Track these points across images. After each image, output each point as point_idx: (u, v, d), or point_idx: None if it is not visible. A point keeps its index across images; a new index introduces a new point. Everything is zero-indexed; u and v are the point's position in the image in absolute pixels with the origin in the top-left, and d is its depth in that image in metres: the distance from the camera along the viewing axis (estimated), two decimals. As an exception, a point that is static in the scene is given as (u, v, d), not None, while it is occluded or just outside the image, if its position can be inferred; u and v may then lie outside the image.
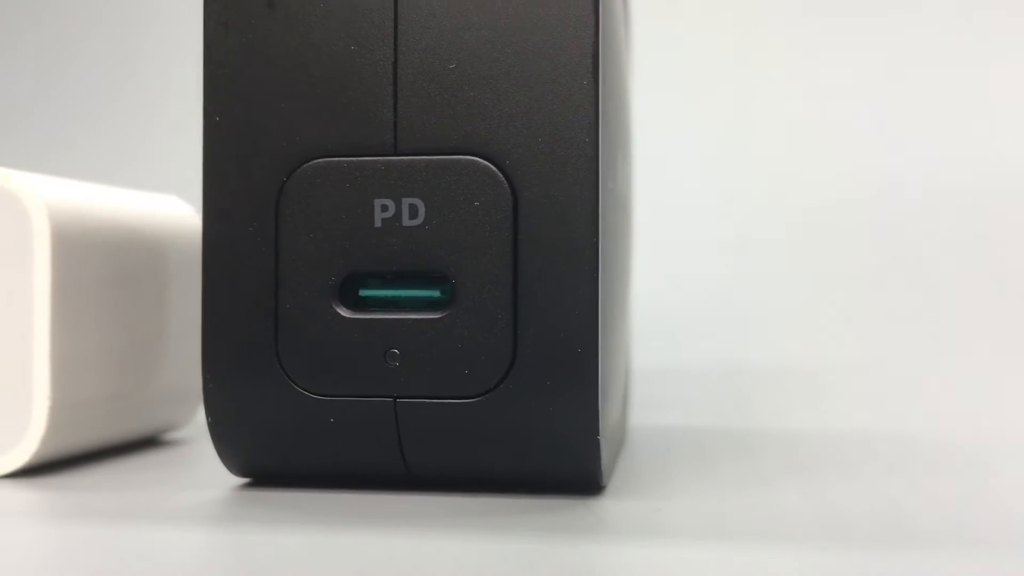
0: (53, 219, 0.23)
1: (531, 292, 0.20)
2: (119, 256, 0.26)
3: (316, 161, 0.21)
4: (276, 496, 0.22)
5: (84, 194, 0.25)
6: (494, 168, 0.20)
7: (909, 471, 0.25)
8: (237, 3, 0.21)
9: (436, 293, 0.21)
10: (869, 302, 0.40)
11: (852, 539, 0.18)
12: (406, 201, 0.21)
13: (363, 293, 0.21)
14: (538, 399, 0.20)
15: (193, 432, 0.31)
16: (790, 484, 0.23)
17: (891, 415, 0.33)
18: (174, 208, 0.30)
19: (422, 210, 0.21)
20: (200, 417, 0.30)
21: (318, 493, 0.22)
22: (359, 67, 0.21)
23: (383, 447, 0.21)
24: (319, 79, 0.21)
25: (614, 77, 0.23)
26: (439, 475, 0.22)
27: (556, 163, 0.20)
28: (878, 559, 0.17)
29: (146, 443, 0.29)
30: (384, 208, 0.21)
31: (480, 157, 0.20)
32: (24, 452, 0.24)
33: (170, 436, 0.30)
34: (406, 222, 0.21)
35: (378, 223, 0.21)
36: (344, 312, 0.21)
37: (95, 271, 0.25)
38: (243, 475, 0.23)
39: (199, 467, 0.26)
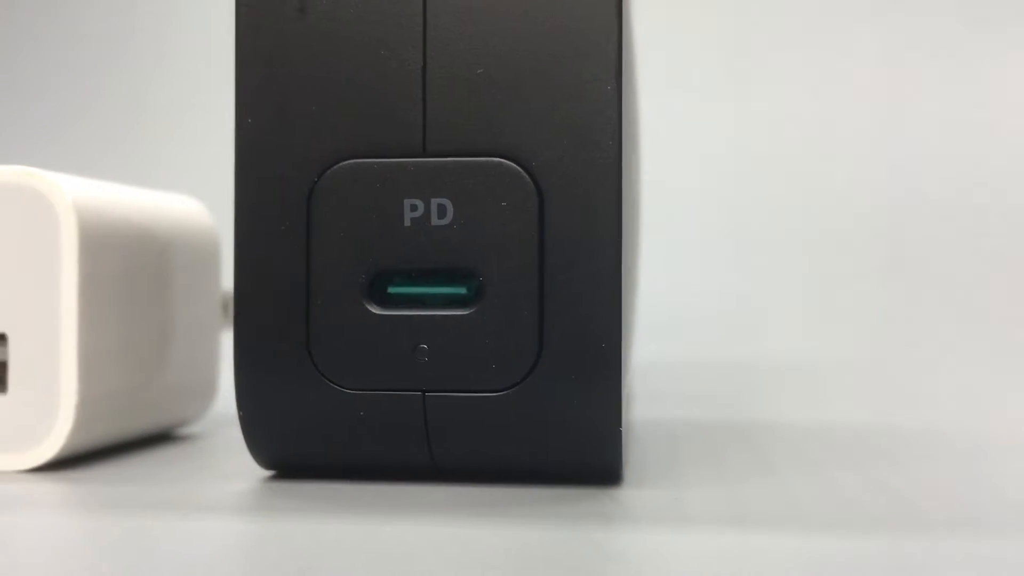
0: (80, 217, 0.24)
1: (556, 289, 0.21)
2: (139, 253, 0.26)
3: (347, 162, 0.21)
4: (304, 487, 0.22)
5: (105, 193, 0.26)
6: (520, 170, 0.21)
7: (909, 461, 0.26)
8: (268, 7, 0.22)
9: (462, 290, 0.22)
10: (868, 299, 0.41)
11: (863, 524, 0.19)
12: (435, 201, 0.21)
13: (392, 290, 0.22)
14: (563, 392, 0.21)
15: (205, 427, 0.31)
16: (796, 473, 0.24)
17: (889, 409, 0.34)
18: (186, 206, 0.30)
19: (450, 210, 0.21)
20: (211, 412, 0.31)
21: (344, 484, 0.22)
22: (389, 71, 0.21)
23: (411, 439, 0.22)
24: (349, 82, 0.21)
25: (629, 80, 0.24)
26: (464, 466, 0.22)
27: (581, 165, 0.21)
28: (890, 542, 0.18)
29: (161, 438, 0.29)
30: (413, 208, 0.21)
31: (507, 159, 0.21)
32: (52, 446, 0.24)
33: (183, 431, 0.31)
34: (435, 221, 0.21)
35: (407, 222, 0.21)
36: (374, 309, 0.21)
37: (117, 268, 0.25)
38: (271, 468, 0.23)
39: (222, 460, 0.26)
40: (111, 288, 0.25)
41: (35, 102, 0.52)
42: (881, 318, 0.41)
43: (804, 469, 0.24)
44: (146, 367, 0.27)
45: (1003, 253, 0.41)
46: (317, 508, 0.20)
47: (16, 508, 0.21)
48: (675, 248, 0.36)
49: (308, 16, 0.22)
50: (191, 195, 0.31)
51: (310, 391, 0.22)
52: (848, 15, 0.44)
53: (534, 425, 0.21)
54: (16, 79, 0.52)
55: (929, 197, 0.43)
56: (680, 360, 0.35)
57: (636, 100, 0.28)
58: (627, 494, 0.21)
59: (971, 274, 0.41)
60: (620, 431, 0.21)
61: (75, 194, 0.24)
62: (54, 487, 0.23)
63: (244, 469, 0.24)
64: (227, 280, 0.31)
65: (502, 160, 0.21)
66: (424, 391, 0.21)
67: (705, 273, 0.39)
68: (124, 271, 0.26)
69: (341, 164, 0.21)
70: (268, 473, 0.24)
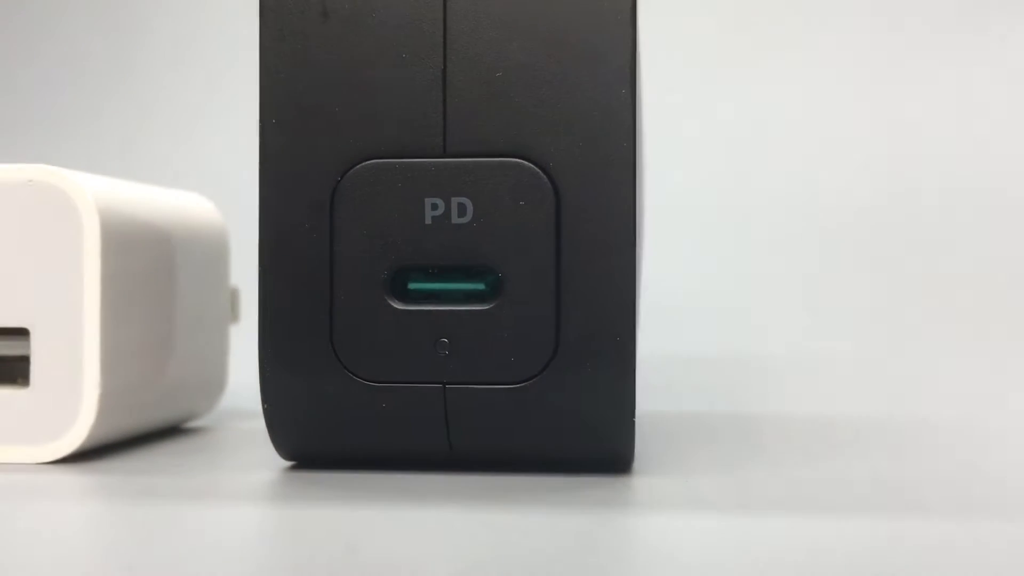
0: (102, 215, 0.24)
1: (573, 285, 0.22)
2: (155, 250, 0.27)
3: (369, 162, 0.22)
4: (324, 476, 0.23)
5: (124, 191, 0.26)
6: (538, 170, 0.22)
7: (907, 451, 0.27)
8: (293, 13, 0.22)
9: (481, 286, 0.22)
10: (865, 295, 0.42)
11: (864, 508, 0.20)
12: (455, 200, 0.22)
13: (412, 286, 0.22)
14: (579, 384, 0.22)
15: (213, 421, 0.32)
16: (799, 462, 0.25)
17: (885, 401, 0.36)
18: (197, 204, 0.31)
19: (470, 209, 0.22)
20: (219, 406, 0.32)
21: (363, 474, 0.23)
22: (410, 74, 0.22)
23: (431, 430, 0.23)
24: (371, 85, 0.22)
25: (639, 83, 0.25)
26: (481, 456, 0.23)
27: (596, 166, 0.22)
28: (891, 525, 0.19)
29: (172, 431, 0.30)
30: (434, 206, 0.22)
31: (525, 160, 0.22)
32: (75, 439, 0.25)
33: (192, 425, 0.31)
34: (455, 220, 0.22)
35: (428, 220, 0.22)
36: (396, 304, 0.22)
37: (136, 265, 0.26)
38: (292, 458, 0.24)
39: (239, 451, 0.27)
40: (130, 284, 0.26)
41: (36, 99, 0.53)
42: (879, 314, 0.42)
43: (806, 458, 0.25)
44: (162, 361, 0.27)
45: (1001, 250, 0.43)
46: (340, 496, 0.21)
47: (46, 498, 0.22)
48: (674, 245, 0.37)
49: (331, 20, 0.22)
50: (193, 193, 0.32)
51: (334, 384, 0.22)
52: (844, 11, 0.46)
53: (550, 416, 0.22)
54: (19, 77, 0.53)
55: (926, 194, 0.44)
56: (678, 354, 0.36)
57: (642, 101, 0.29)
58: (639, 482, 0.22)
59: (967, 271, 0.43)
60: (633, 422, 0.22)
61: (96, 193, 0.25)
62: (80, 478, 0.23)
63: (263, 460, 0.25)
64: (234, 276, 0.32)
65: (520, 160, 0.22)
66: (445, 383, 0.22)
67: (704, 270, 0.40)
68: (142, 267, 0.26)
69: (364, 164, 0.22)
70: (287, 464, 0.24)
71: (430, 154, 0.22)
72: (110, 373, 0.25)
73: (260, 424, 0.30)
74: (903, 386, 0.38)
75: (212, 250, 0.30)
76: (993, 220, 0.44)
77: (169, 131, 0.51)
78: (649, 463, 0.24)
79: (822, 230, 0.44)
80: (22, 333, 0.25)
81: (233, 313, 0.32)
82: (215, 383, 0.31)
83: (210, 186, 0.34)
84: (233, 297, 0.32)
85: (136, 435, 0.28)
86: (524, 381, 0.22)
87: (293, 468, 0.24)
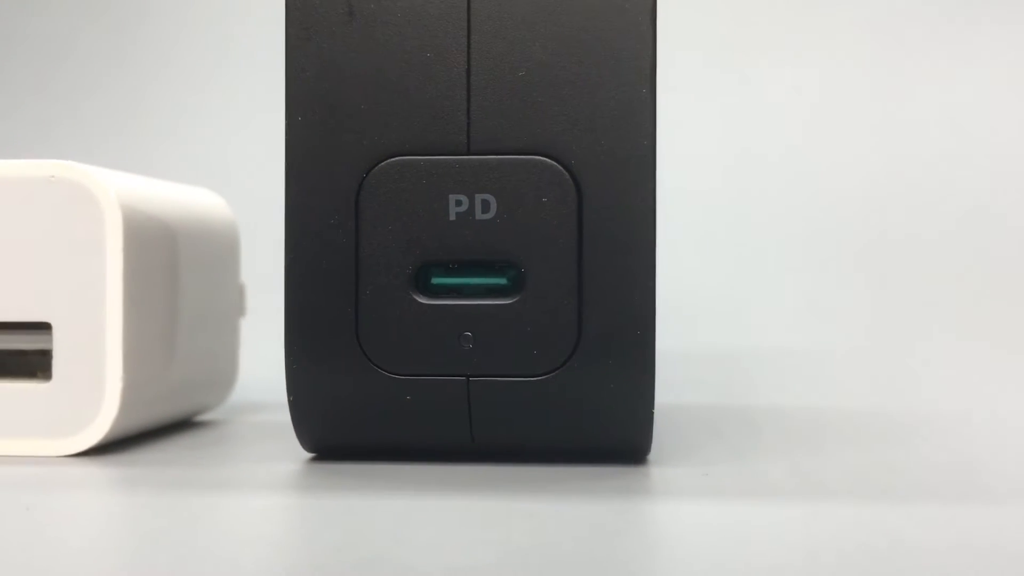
0: (124, 211, 0.25)
1: (594, 280, 0.22)
2: (172, 245, 0.27)
3: (394, 159, 0.23)
4: (347, 467, 0.23)
5: (142, 187, 0.27)
6: (560, 167, 0.22)
7: (907, 440, 0.28)
8: (319, 12, 0.23)
9: (503, 281, 0.23)
10: (864, 291, 0.43)
11: (877, 493, 0.21)
12: (479, 197, 0.23)
13: (437, 281, 0.23)
14: (600, 377, 0.22)
15: (224, 414, 0.32)
16: (808, 452, 0.26)
17: (883, 394, 0.37)
18: (209, 200, 0.31)
19: (494, 205, 0.23)
20: (230, 399, 0.32)
21: (384, 464, 0.23)
22: (435, 73, 0.23)
23: (454, 422, 0.23)
24: (397, 83, 0.23)
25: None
26: (502, 446, 0.24)
27: (617, 163, 0.22)
28: (898, 509, 0.19)
29: (185, 425, 0.30)
30: (458, 203, 0.23)
31: (548, 157, 0.22)
32: (97, 432, 0.25)
33: (203, 418, 0.31)
34: (479, 216, 0.23)
35: (452, 216, 0.23)
36: (421, 298, 0.23)
37: (155, 260, 0.26)
38: (315, 450, 0.24)
39: (257, 443, 0.27)
40: (149, 279, 0.26)
41: (37, 95, 0.53)
42: (877, 309, 0.43)
43: (814, 448, 0.26)
44: (178, 355, 0.28)
45: (996, 247, 0.44)
46: (365, 486, 0.22)
47: (76, 489, 0.22)
48: (677, 244, 0.38)
49: (356, 20, 0.23)
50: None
51: (359, 377, 0.23)
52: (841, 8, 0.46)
53: (572, 407, 0.23)
54: (18, 73, 0.53)
55: (924, 192, 0.45)
56: (681, 349, 0.36)
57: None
58: (658, 471, 0.23)
59: (962, 268, 0.44)
60: (652, 413, 0.23)
61: (118, 189, 0.25)
62: (105, 470, 0.24)
63: (283, 451, 0.25)
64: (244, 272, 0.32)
65: (543, 158, 0.22)
66: (468, 376, 0.23)
67: (704, 266, 0.41)
68: (160, 262, 0.27)
69: (389, 161, 0.23)
70: (307, 455, 0.25)
71: (454, 151, 0.23)
72: (131, 367, 0.25)
73: (272, 417, 0.31)
74: (904, 380, 0.39)
75: (224, 245, 0.31)
76: (991, 219, 0.45)
77: (168, 126, 0.51)
78: (663, 453, 0.25)
79: (823, 228, 0.45)
80: (44, 327, 0.25)
81: (240, 308, 0.32)
82: (226, 377, 0.31)
83: (206, 181, 0.34)
84: (240, 292, 0.32)
85: (152, 428, 0.28)
86: (546, 374, 0.23)
87: (314, 459, 0.24)
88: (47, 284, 0.25)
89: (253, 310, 0.33)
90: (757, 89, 0.45)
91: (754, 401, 0.33)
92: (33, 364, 0.26)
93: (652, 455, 0.25)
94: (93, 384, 0.25)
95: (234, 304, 0.32)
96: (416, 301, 0.23)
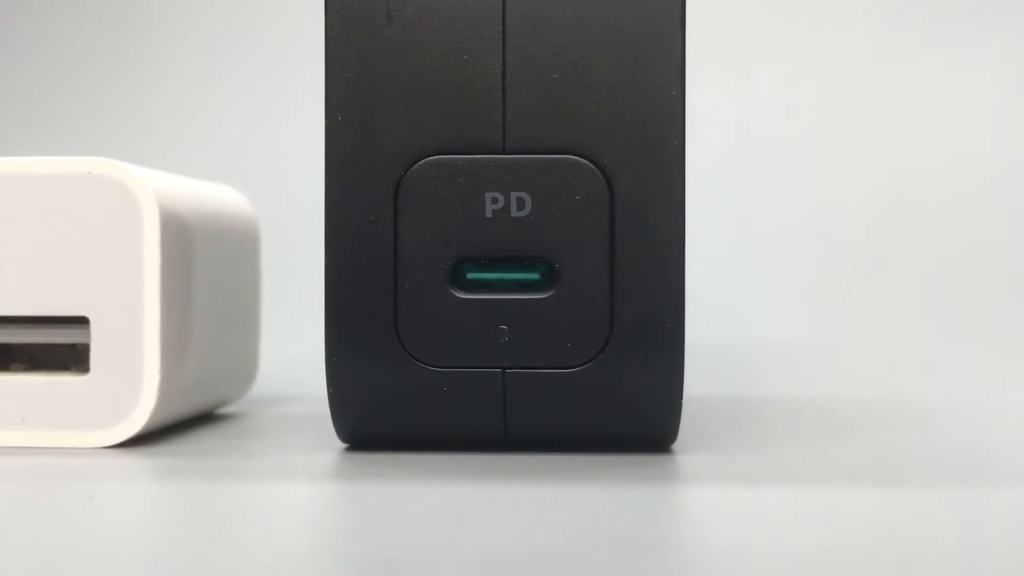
0: (161, 207, 0.25)
1: (626, 275, 0.23)
2: (204, 241, 0.28)
3: (432, 158, 0.23)
4: (383, 457, 0.24)
5: (175, 183, 0.27)
6: (593, 167, 0.23)
7: (919, 426, 0.29)
8: (358, 15, 0.23)
9: (536, 276, 0.24)
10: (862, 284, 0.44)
11: (907, 478, 0.22)
12: (514, 195, 0.23)
13: (474, 276, 0.24)
14: (631, 368, 0.23)
15: (245, 407, 0.33)
16: (826, 439, 0.27)
17: (886, 385, 0.38)
18: (231, 196, 0.32)
19: (528, 203, 0.23)
20: (251, 392, 0.32)
21: (419, 454, 0.24)
22: (471, 74, 0.23)
23: (489, 413, 0.24)
24: (434, 85, 0.23)
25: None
26: (534, 437, 0.24)
27: (648, 163, 0.23)
28: (939, 493, 0.21)
29: (208, 418, 0.31)
30: (494, 200, 0.23)
31: (581, 156, 0.23)
32: (136, 423, 0.25)
33: (225, 411, 0.32)
34: (514, 213, 0.23)
35: (489, 214, 0.23)
36: (458, 293, 0.23)
37: (189, 255, 0.27)
38: (351, 440, 0.25)
39: (287, 434, 0.28)
40: (182, 273, 0.27)
41: (33, 91, 0.53)
42: (877, 303, 0.44)
43: (831, 435, 0.27)
44: (207, 348, 0.28)
45: (991, 244, 0.45)
46: (402, 474, 0.22)
47: (122, 480, 0.22)
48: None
49: (395, 23, 0.23)
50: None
51: (397, 369, 0.23)
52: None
53: (603, 398, 0.24)
54: (20, 70, 0.53)
55: (922, 192, 0.46)
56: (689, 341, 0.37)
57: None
58: (685, 459, 0.24)
59: (958, 265, 0.45)
60: (680, 403, 0.24)
61: (155, 185, 0.26)
62: (146, 460, 0.24)
63: (316, 441, 0.26)
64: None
65: (576, 157, 0.23)
66: (504, 368, 0.23)
67: (706, 263, 0.42)
68: (192, 257, 0.27)
69: (427, 160, 0.23)
70: (341, 445, 0.25)
71: (490, 151, 0.23)
72: (166, 360, 0.26)
73: (295, 409, 0.32)
74: (906, 371, 0.40)
75: (247, 241, 0.31)
76: (994, 210, 0.46)
77: (167, 124, 0.51)
78: (686, 443, 0.26)
79: (824, 217, 0.46)
80: (81, 322, 0.26)
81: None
82: (248, 371, 0.32)
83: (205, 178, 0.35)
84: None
85: (182, 420, 0.28)
86: (579, 365, 0.23)
87: (348, 449, 0.25)
88: (84, 279, 0.25)
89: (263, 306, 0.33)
90: (757, 86, 0.46)
91: (762, 392, 0.34)
92: (66, 357, 0.26)
93: (676, 444, 0.25)
94: (131, 377, 0.25)
95: (256, 299, 0.32)
96: (453, 296, 0.23)
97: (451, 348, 0.23)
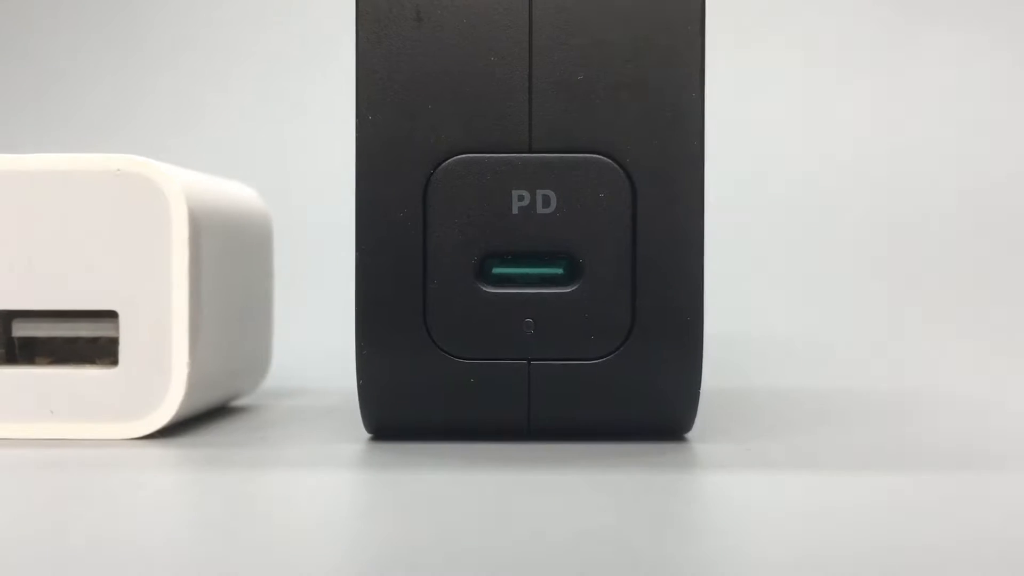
0: (189, 203, 0.26)
1: (647, 269, 0.24)
2: (226, 236, 0.28)
3: (460, 156, 0.24)
4: (408, 447, 0.25)
5: (199, 180, 0.28)
6: (616, 165, 0.24)
7: (915, 417, 0.30)
8: (388, 18, 0.24)
9: (559, 271, 0.24)
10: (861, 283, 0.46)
11: (916, 464, 0.23)
12: (540, 192, 0.24)
13: (500, 271, 0.24)
14: (653, 359, 0.24)
15: (258, 400, 0.33)
16: (835, 428, 0.28)
17: (887, 377, 0.39)
18: (246, 192, 0.32)
19: (554, 200, 0.24)
20: (263, 384, 0.33)
21: (443, 444, 0.25)
22: (498, 76, 0.24)
23: (513, 403, 0.25)
24: (462, 86, 0.24)
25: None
26: (556, 426, 0.25)
27: (669, 162, 0.24)
28: (951, 479, 0.22)
29: (224, 410, 0.31)
30: (521, 198, 0.24)
31: (604, 156, 0.24)
32: (164, 415, 0.26)
33: (239, 403, 0.33)
34: (540, 210, 0.24)
35: (515, 211, 0.24)
36: (485, 287, 0.24)
37: (214, 250, 0.27)
38: (378, 431, 0.26)
39: (311, 425, 0.28)
40: (208, 268, 0.27)
41: (29, 88, 0.53)
42: (877, 298, 0.46)
43: (839, 425, 0.28)
44: (229, 342, 0.29)
45: (988, 243, 0.47)
46: (429, 463, 0.23)
47: (157, 470, 0.23)
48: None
49: (425, 25, 0.24)
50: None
51: (427, 361, 0.24)
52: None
53: (625, 388, 0.24)
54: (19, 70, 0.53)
55: (922, 191, 0.47)
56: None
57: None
58: (701, 447, 0.25)
59: (955, 264, 0.47)
60: (698, 393, 0.25)
61: (182, 182, 0.26)
62: (177, 451, 0.25)
63: (339, 432, 0.27)
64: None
65: (600, 156, 0.24)
66: (529, 360, 0.24)
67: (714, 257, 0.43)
68: (216, 253, 0.28)
69: (455, 158, 0.24)
70: (366, 435, 0.26)
71: (517, 149, 0.24)
72: (194, 352, 0.26)
73: (307, 402, 0.32)
74: (906, 364, 0.41)
75: (262, 236, 0.32)
76: (995, 209, 0.47)
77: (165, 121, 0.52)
78: (700, 432, 0.27)
79: (823, 215, 0.47)
80: (110, 315, 0.26)
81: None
82: (262, 363, 0.32)
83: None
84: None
85: (203, 412, 0.29)
86: (602, 357, 0.24)
87: (373, 439, 0.26)
88: (113, 274, 0.26)
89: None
90: (756, 85, 0.47)
91: (760, 384, 0.36)
92: (91, 351, 0.27)
93: (689, 433, 0.26)
94: (159, 369, 0.26)
95: (269, 293, 0.33)
96: (481, 290, 0.24)
97: (478, 341, 0.24)
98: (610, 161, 0.24)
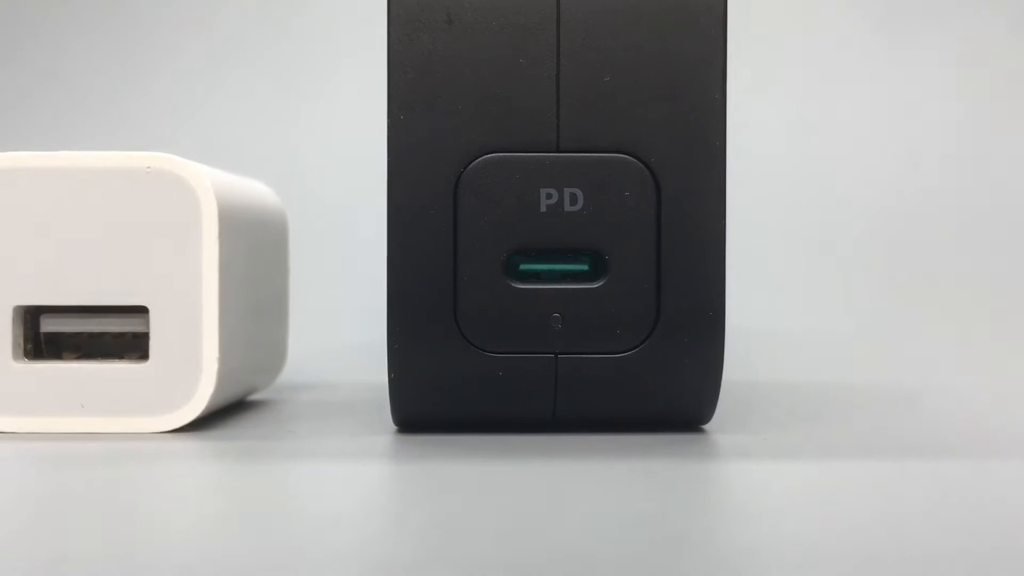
0: (219, 201, 0.26)
1: (671, 266, 0.25)
2: (251, 232, 0.29)
3: (490, 155, 0.25)
4: (435, 439, 0.25)
5: (226, 178, 0.28)
6: (642, 165, 0.25)
7: (918, 410, 0.31)
8: (420, 19, 0.25)
9: (586, 268, 0.25)
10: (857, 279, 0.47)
11: (928, 453, 0.24)
12: (567, 191, 0.25)
13: (529, 267, 0.25)
14: (676, 353, 0.25)
15: (274, 394, 0.34)
16: (848, 419, 0.29)
17: (890, 372, 0.40)
18: (264, 189, 0.33)
19: (581, 198, 0.25)
20: (279, 379, 0.34)
21: (469, 435, 0.26)
22: (527, 77, 0.25)
23: (540, 395, 0.25)
24: (492, 86, 0.25)
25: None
26: (580, 418, 0.26)
27: (693, 161, 0.25)
28: (956, 465, 0.23)
29: (241, 404, 0.32)
30: (549, 196, 0.25)
31: (630, 155, 0.25)
32: (195, 408, 0.26)
33: (255, 398, 0.33)
34: (567, 208, 0.25)
35: (543, 209, 0.25)
36: (514, 283, 0.25)
37: (240, 246, 0.28)
38: (406, 423, 0.26)
39: (335, 418, 0.29)
40: (235, 264, 0.28)
41: (39, 86, 0.53)
42: (877, 296, 0.47)
43: (851, 416, 0.29)
44: (252, 336, 0.29)
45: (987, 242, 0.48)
46: (457, 454, 0.24)
47: (195, 462, 0.24)
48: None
49: (455, 27, 0.25)
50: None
51: (456, 354, 0.25)
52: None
53: (648, 381, 0.25)
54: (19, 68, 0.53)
55: (923, 191, 0.49)
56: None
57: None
58: (721, 438, 0.26)
59: (955, 263, 0.48)
60: (719, 386, 0.25)
61: (211, 180, 0.27)
62: (209, 444, 0.25)
63: (364, 425, 0.27)
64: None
65: (626, 156, 0.25)
66: (557, 354, 0.25)
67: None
68: (243, 250, 0.28)
69: (485, 157, 0.25)
70: (391, 428, 0.27)
71: (545, 149, 0.25)
72: (224, 348, 0.27)
73: (325, 396, 0.33)
74: (908, 367, 0.42)
75: (279, 233, 0.32)
76: (994, 212, 0.48)
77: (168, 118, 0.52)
78: (717, 423, 0.27)
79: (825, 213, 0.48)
80: (140, 311, 0.26)
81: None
82: (279, 358, 0.33)
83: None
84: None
85: (227, 406, 0.29)
86: (628, 351, 0.25)
87: (400, 432, 0.26)
88: (143, 270, 0.26)
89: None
90: (757, 84, 0.48)
91: (773, 377, 0.37)
92: (119, 346, 0.27)
93: (711, 424, 0.27)
94: (190, 363, 0.26)
95: (285, 289, 0.33)
96: (510, 285, 0.25)
97: (507, 334, 0.25)
98: (635, 161, 0.25)
